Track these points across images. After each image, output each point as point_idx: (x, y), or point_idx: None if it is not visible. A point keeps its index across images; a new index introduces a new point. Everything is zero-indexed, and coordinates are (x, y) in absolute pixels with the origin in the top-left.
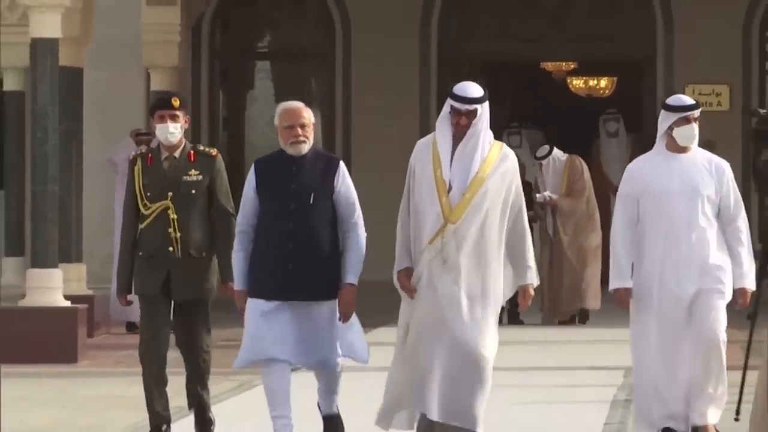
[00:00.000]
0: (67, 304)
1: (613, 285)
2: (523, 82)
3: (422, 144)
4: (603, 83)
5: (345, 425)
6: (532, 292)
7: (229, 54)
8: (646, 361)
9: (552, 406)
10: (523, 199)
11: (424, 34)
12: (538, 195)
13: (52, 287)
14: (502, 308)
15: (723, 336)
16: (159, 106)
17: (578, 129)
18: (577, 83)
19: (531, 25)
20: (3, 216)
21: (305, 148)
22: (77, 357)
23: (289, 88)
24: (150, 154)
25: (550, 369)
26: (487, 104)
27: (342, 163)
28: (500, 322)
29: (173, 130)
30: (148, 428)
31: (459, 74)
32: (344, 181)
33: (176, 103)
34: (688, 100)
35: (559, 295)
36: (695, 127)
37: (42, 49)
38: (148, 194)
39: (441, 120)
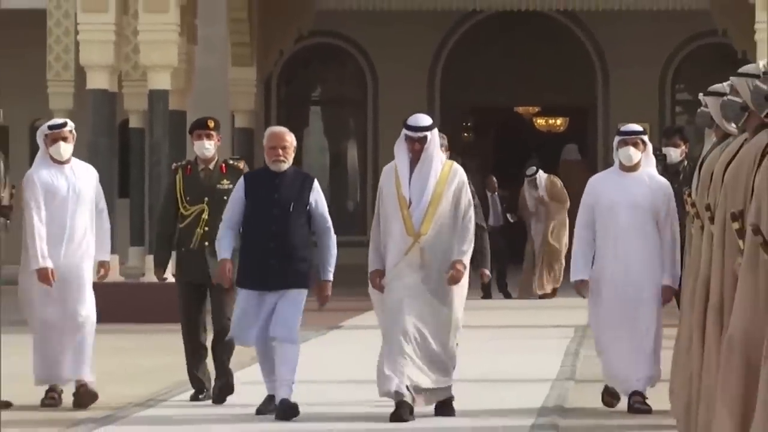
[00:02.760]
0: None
1: (572, 277)
2: (501, 121)
3: (387, 168)
4: (559, 122)
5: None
6: (460, 268)
7: (291, 101)
8: (602, 337)
9: (520, 354)
10: (471, 202)
11: (430, 85)
12: (534, 192)
13: None
14: (489, 281)
15: (655, 327)
16: (197, 126)
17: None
18: (540, 122)
19: (507, 79)
20: (129, 216)
21: (284, 166)
22: None
23: (334, 127)
24: (189, 166)
25: (520, 327)
26: (436, 131)
27: (316, 181)
28: (490, 297)
29: (208, 146)
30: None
31: (455, 115)
32: (317, 196)
33: (211, 124)
34: (633, 127)
35: (532, 277)
36: (631, 149)
37: (156, 97)
38: (188, 198)
39: (397, 146)
